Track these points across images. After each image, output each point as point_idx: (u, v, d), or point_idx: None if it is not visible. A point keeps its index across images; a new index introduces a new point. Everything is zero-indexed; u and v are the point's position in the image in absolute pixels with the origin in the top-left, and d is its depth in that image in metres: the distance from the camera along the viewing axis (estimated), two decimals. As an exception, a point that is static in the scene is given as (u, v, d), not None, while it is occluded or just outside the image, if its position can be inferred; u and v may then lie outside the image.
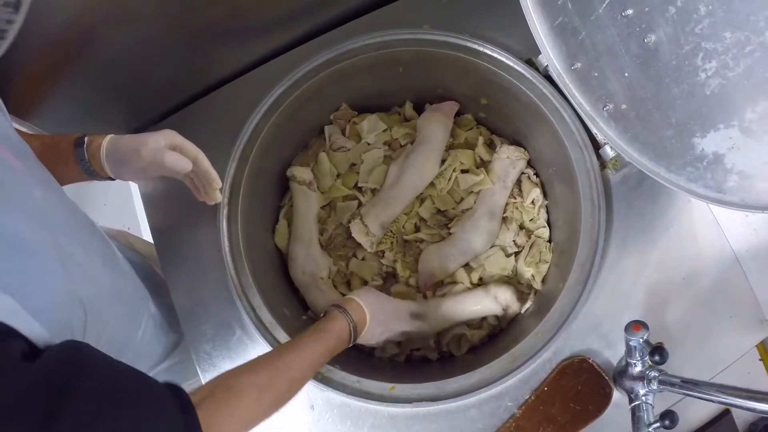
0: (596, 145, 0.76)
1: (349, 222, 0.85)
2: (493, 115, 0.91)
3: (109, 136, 0.65)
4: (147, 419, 0.41)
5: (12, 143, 0.51)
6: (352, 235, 0.83)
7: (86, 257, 0.57)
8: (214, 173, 0.69)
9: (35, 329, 0.42)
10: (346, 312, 0.68)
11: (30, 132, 0.72)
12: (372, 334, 0.72)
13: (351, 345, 0.69)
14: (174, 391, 0.47)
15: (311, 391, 0.71)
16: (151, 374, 0.48)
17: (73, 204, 0.61)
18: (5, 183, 0.46)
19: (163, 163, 0.63)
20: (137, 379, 0.44)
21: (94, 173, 0.65)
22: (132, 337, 0.71)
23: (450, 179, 0.87)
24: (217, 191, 0.71)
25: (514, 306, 0.80)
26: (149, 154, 0.63)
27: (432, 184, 0.86)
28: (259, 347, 0.74)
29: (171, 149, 0.64)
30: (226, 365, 0.74)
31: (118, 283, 0.66)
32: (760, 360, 0.85)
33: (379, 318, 0.71)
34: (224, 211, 0.77)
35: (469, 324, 0.82)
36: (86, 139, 0.64)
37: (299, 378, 0.60)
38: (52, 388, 0.36)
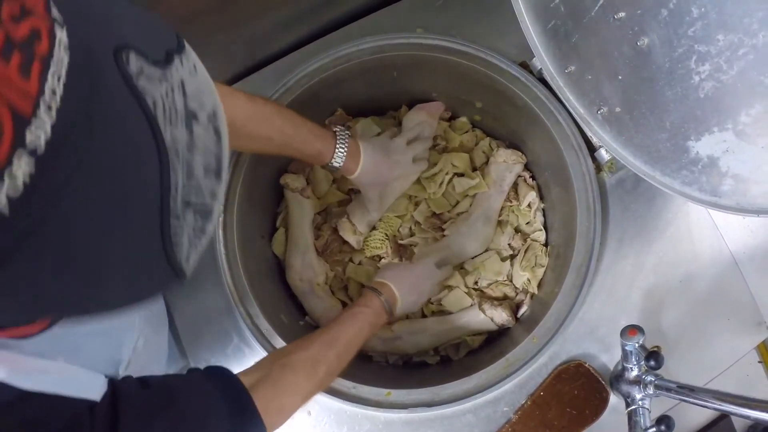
0: (591, 149, 0.76)
1: (343, 224, 0.85)
2: (489, 119, 0.90)
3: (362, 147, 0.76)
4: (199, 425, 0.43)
5: None
6: (340, 233, 0.83)
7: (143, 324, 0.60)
8: None
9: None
10: (378, 291, 0.73)
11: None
12: (409, 303, 0.76)
13: (392, 319, 0.76)
14: (226, 382, 0.49)
15: (308, 397, 0.71)
16: None
17: None
18: None
19: None
20: (181, 386, 0.46)
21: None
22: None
23: (442, 183, 0.86)
24: None
25: (509, 324, 0.81)
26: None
27: (423, 188, 0.86)
28: (257, 354, 0.74)
29: None
30: (223, 373, 0.74)
31: (152, 340, 0.67)
32: (759, 362, 0.84)
33: (406, 288, 0.76)
34: (219, 219, 0.77)
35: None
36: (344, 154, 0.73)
37: (345, 350, 0.65)
38: None
